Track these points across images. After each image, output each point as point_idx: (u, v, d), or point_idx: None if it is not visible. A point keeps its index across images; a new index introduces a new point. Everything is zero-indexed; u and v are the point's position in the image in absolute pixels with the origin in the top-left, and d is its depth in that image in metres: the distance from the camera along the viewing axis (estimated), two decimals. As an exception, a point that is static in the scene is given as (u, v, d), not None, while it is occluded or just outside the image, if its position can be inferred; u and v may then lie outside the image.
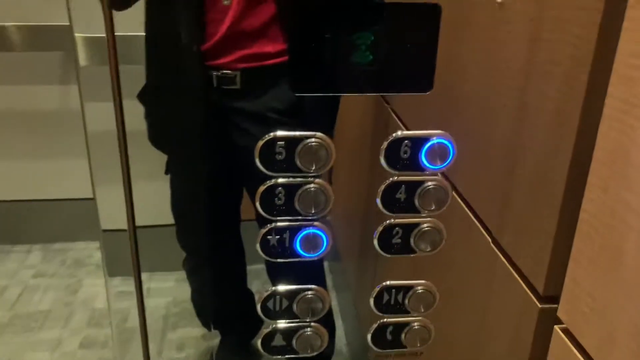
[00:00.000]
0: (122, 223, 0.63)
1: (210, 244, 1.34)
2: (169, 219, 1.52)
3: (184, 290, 1.45)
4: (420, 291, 0.50)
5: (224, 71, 1.08)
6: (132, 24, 1.17)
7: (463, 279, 0.70)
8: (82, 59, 1.60)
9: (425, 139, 0.44)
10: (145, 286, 1.89)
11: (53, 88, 1.83)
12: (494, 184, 0.61)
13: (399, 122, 0.95)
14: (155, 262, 1.80)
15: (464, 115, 0.70)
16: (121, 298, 1.69)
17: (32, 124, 1.88)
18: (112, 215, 0.92)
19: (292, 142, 0.44)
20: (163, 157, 1.24)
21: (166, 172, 1.25)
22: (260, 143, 0.44)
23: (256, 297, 1.51)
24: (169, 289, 1.82)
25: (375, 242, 0.47)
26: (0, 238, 2.00)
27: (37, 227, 1.99)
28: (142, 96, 1.16)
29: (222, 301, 1.48)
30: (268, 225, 0.47)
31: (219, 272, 1.41)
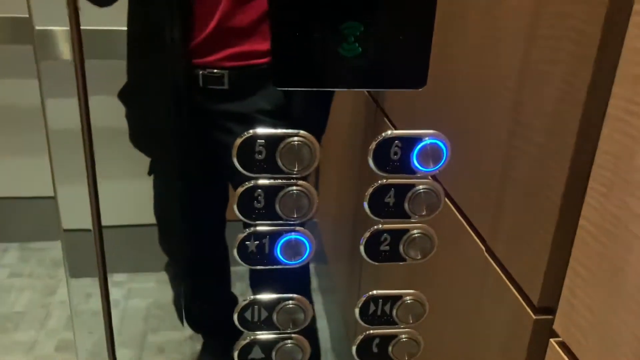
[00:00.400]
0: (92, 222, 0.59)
1: (194, 248, 1.30)
2: (150, 218, 1.48)
3: (167, 292, 1.41)
4: (409, 301, 0.47)
5: (211, 70, 1.03)
6: (116, 17, 1.13)
7: (454, 288, 0.67)
8: (65, 53, 1.56)
9: (418, 139, 0.41)
10: (126, 287, 1.85)
11: (33, 82, 1.78)
12: (488, 188, 0.59)
13: (387, 122, 0.92)
14: (137, 262, 1.76)
15: (456, 115, 0.67)
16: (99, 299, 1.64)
17: (9, 119, 1.82)
18: (81, 214, 0.88)
19: (273, 141, 0.41)
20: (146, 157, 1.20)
21: (149, 173, 1.21)
22: (239, 141, 0.40)
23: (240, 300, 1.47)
24: (151, 290, 1.78)
25: (362, 248, 0.44)
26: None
27: (14, 225, 1.94)
28: (123, 95, 1.12)
29: (204, 306, 1.44)
30: (247, 229, 0.43)
31: (202, 276, 1.38)
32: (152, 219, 1.43)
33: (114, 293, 1.75)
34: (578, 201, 0.45)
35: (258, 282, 1.27)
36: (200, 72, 1.03)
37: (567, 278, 0.47)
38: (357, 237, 1.04)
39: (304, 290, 1.22)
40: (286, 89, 0.38)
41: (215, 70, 1.03)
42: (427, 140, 0.41)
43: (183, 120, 1.08)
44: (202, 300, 1.42)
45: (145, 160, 1.21)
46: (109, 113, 1.58)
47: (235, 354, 0.46)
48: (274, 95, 1.03)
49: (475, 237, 0.60)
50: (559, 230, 0.48)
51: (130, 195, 1.67)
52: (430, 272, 0.69)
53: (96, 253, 0.45)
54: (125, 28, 1.07)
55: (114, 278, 1.79)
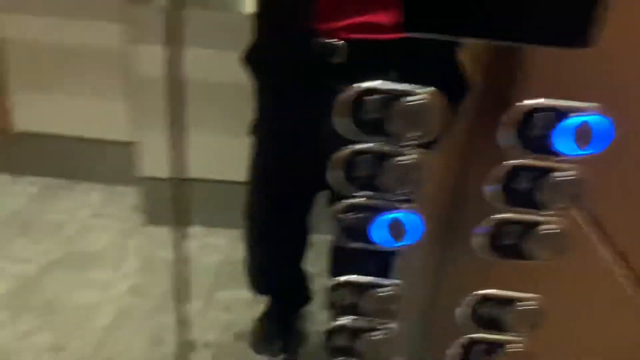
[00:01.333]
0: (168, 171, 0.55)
1: (280, 214, 1.25)
2: (233, 176, 1.45)
3: (240, 250, 1.40)
4: (523, 307, 0.39)
5: (327, 39, 0.90)
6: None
7: (577, 303, 0.56)
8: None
9: (572, 112, 0.32)
10: (200, 241, 1.84)
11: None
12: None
13: (530, 86, 0.76)
14: (215, 217, 1.75)
15: (622, 86, 0.53)
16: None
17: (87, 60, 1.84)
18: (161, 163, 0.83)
19: (387, 99, 0.34)
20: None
21: (249, 133, 1.15)
22: (343, 96, 0.34)
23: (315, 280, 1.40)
24: (225, 246, 1.77)
25: (481, 239, 0.37)
26: (63, 174, 2.01)
27: (100, 167, 1.99)
28: (249, 56, 1.05)
29: (273, 275, 1.41)
30: (344, 200, 0.37)
31: (277, 250, 1.34)
32: (234, 177, 1.40)
33: (187, 245, 1.76)
34: None
35: (337, 257, 1.21)
36: (316, 41, 0.92)
37: None
38: (455, 219, 0.91)
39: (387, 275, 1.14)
40: (417, 34, 0.30)
41: (331, 40, 0.91)
42: (582, 117, 0.32)
43: (291, 87, 1.01)
44: (274, 267, 1.39)
45: (241, 119, 1.17)
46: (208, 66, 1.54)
47: (325, 339, 0.41)
48: (393, 79, 0.91)
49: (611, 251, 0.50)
50: None
51: (218, 150, 1.65)
52: (540, 275, 0.59)
53: (173, 203, 0.41)
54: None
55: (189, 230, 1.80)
